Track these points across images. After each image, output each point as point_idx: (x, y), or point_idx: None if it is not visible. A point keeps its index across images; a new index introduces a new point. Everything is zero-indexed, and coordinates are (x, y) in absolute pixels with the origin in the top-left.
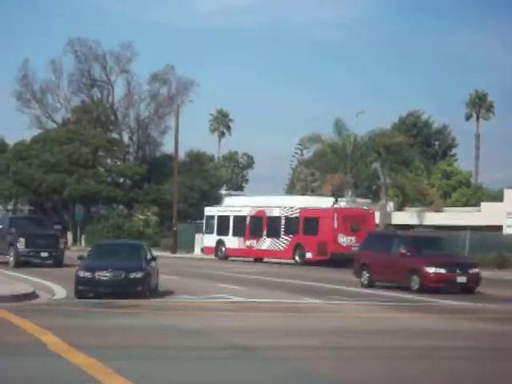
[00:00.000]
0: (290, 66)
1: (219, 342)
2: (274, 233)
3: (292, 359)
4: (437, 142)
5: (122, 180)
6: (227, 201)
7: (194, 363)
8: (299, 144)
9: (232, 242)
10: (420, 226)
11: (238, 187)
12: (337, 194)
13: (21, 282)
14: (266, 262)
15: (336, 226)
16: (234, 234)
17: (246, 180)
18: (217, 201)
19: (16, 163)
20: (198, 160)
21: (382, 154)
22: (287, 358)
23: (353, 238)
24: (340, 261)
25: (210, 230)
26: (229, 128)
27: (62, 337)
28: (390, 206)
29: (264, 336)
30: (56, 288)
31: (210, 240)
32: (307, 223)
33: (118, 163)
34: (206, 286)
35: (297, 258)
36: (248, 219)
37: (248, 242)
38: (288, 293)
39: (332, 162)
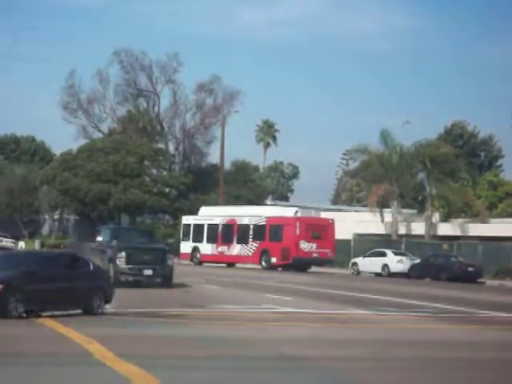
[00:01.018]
0: (336, 76)
1: (264, 352)
2: (243, 239)
3: (338, 370)
4: (483, 153)
5: (167, 190)
6: (202, 210)
7: (239, 373)
8: (345, 154)
9: (206, 248)
10: (465, 237)
11: (283, 197)
12: (299, 206)
13: None
14: (241, 268)
15: (298, 233)
16: (208, 241)
17: (292, 190)
18: None
19: (62, 173)
20: (243, 170)
21: (428, 165)
22: (333, 368)
23: (313, 245)
24: (301, 265)
25: (186, 238)
26: (274, 138)
27: (107, 346)
28: (436, 216)
29: (310, 346)
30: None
31: (187, 247)
32: (273, 231)
33: (164, 173)
34: (250, 296)
35: (263, 263)
36: (220, 227)
37: (220, 249)
38: (333, 303)
39: (378, 173)
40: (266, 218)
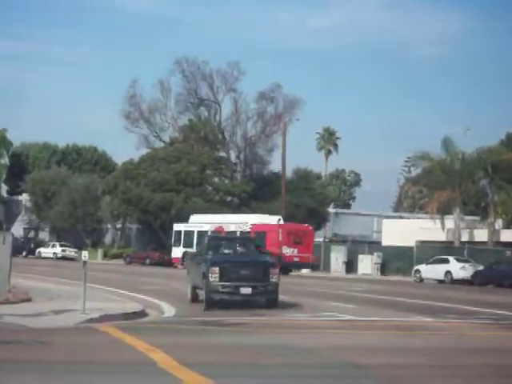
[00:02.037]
0: (396, 83)
1: (329, 360)
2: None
3: (402, 377)
4: None
5: (229, 198)
6: (192, 218)
7: (302, 381)
8: (407, 161)
9: None
10: None
11: (345, 205)
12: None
13: (131, 301)
14: None
15: (281, 239)
16: (197, 247)
17: (353, 198)
18: (324, 219)
19: (124, 182)
20: (305, 178)
21: (490, 172)
22: (398, 376)
23: (295, 250)
24: (284, 269)
25: (177, 243)
26: (336, 146)
27: (171, 354)
28: (499, 223)
29: (374, 354)
30: (165, 306)
31: (178, 252)
32: (257, 237)
33: (226, 181)
34: (316, 304)
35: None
36: (208, 233)
37: None
38: (398, 311)
39: (440, 180)
40: (251, 225)
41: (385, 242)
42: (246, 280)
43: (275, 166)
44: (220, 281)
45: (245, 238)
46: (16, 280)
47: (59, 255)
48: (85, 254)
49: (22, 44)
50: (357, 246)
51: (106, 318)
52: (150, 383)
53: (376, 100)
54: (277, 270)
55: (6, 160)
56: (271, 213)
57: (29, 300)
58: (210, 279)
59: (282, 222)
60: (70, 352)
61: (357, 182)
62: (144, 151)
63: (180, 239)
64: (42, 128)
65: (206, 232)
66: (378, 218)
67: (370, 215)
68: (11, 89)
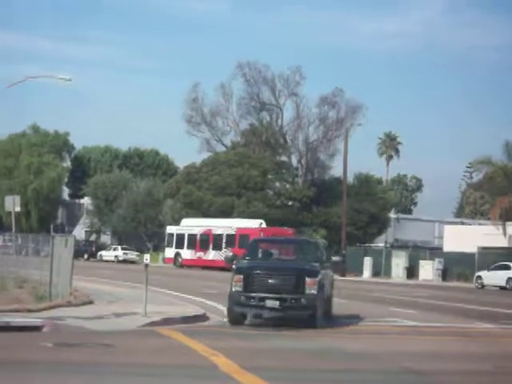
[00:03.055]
0: (456, 88)
1: (389, 366)
2: (217, 247)
3: None
4: None
5: (290, 203)
6: (184, 221)
7: None
8: (468, 167)
9: (186, 253)
10: None
11: (406, 210)
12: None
13: (192, 304)
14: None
15: None
16: (188, 248)
17: (415, 203)
18: (385, 224)
19: (186, 186)
20: (366, 183)
21: None
22: (458, 382)
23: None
24: None
25: (170, 245)
26: (397, 151)
27: (232, 359)
28: None
29: (435, 361)
30: (226, 310)
31: (170, 252)
32: (241, 239)
33: (287, 186)
34: (376, 310)
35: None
36: (198, 236)
37: (198, 254)
38: (459, 317)
39: (502, 185)
40: (236, 228)
41: (446, 248)
42: (273, 291)
43: (337, 170)
44: (244, 291)
45: (302, 242)
46: (78, 283)
47: (120, 258)
48: (146, 258)
49: (85, 48)
50: (418, 252)
51: (167, 322)
52: None
53: (438, 105)
54: (316, 280)
55: (68, 163)
56: (332, 218)
57: (90, 303)
58: (233, 288)
59: (263, 225)
60: (131, 355)
61: (418, 187)
62: (205, 155)
63: (172, 241)
64: (104, 131)
65: (196, 235)
66: (439, 224)
67: (431, 221)
68: (73, 92)
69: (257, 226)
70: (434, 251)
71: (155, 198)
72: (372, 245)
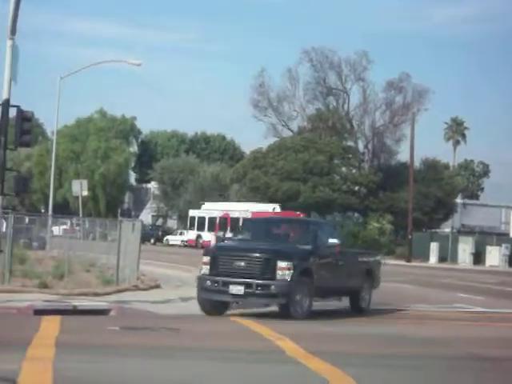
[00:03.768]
0: None
1: (456, 352)
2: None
3: None
4: None
5: (356, 188)
6: (204, 206)
7: (431, 372)
8: None
9: (207, 236)
10: None
11: (473, 196)
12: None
13: None
14: None
15: None
16: (208, 230)
17: (482, 189)
18: (451, 209)
19: (252, 171)
20: (433, 168)
21: None
22: None
23: None
24: None
25: (192, 227)
26: (464, 136)
27: (298, 343)
28: None
29: (503, 346)
30: None
31: (192, 234)
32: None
33: (353, 171)
34: (443, 295)
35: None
36: (217, 219)
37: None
38: None
39: None
40: (251, 212)
41: None
42: (238, 275)
43: (403, 156)
44: (209, 274)
45: (295, 222)
46: (145, 267)
47: (187, 243)
48: (213, 241)
49: (153, 33)
50: (484, 238)
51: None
52: (281, 371)
53: (505, 90)
54: (291, 264)
55: (135, 148)
56: (398, 203)
57: (157, 287)
58: (201, 272)
59: (277, 209)
60: (198, 339)
61: (485, 172)
62: (272, 140)
63: (194, 224)
64: (171, 116)
65: (215, 218)
66: (506, 209)
67: (498, 206)
68: (140, 78)
69: (270, 209)
70: (501, 237)
71: (221, 183)
72: (438, 230)
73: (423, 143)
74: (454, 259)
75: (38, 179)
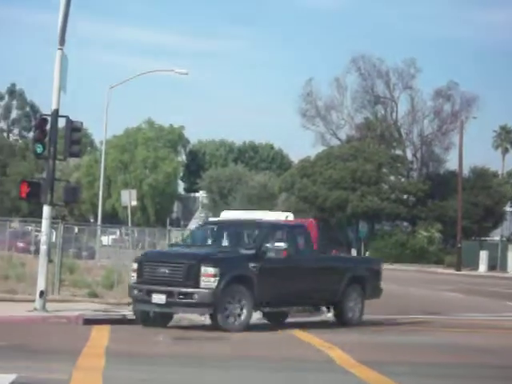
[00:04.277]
0: None
1: (506, 361)
2: None
3: None
4: None
5: (405, 197)
6: (222, 214)
7: (483, 382)
8: None
9: None
10: None
11: None
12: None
13: None
14: None
15: None
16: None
17: None
18: (501, 217)
19: (301, 180)
20: (481, 176)
21: None
22: None
23: None
24: None
25: None
26: None
27: (348, 352)
28: None
29: None
30: None
31: None
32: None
33: (402, 180)
34: (491, 304)
35: None
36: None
37: None
38: None
39: None
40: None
41: None
42: (161, 283)
43: (452, 164)
44: (136, 282)
45: (246, 224)
46: None
47: None
48: None
49: (201, 42)
50: None
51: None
52: (331, 380)
53: None
54: (216, 271)
55: (183, 157)
56: (447, 212)
57: None
58: (130, 280)
59: (290, 217)
60: (248, 348)
61: None
62: (320, 149)
63: None
64: (219, 125)
65: None
66: None
67: None
68: (188, 87)
69: (283, 218)
70: None
71: (270, 192)
72: (488, 238)
73: (472, 151)
74: (504, 267)
75: (87, 189)
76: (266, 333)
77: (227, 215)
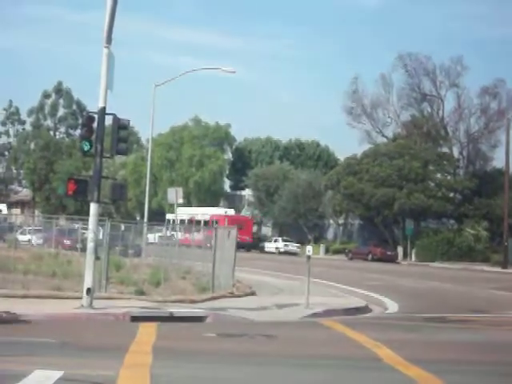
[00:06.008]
0: None
1: None
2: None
3: None
4: None
5: (451, 194)
6: (179, 210)
7: None
8: None
9: (179, 235)
10: None
11: None
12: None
13: (354, 296)
14: None
15: (226, 225)
16: (180, 231)
17: None
18: None
19: (347, 178)
20: None
21: None
22: None
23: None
24: None
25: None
26: None
27: (396, 350)
28: None
29: None
30: (388, 302)
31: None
32: (213, 223)
33: (448, 177)
34: None
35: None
36: (186, 221)
37: (186, 235)
38: None
39: None
40: (210, 215)
41: None
42: None
43: (499, 162)
44: None
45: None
46: (240, 274)
47: (281, 250)
48: (309, 249)
49: (248, 40)
50: None
51: (329, 313)
52: (379, 378)
53: None
54: None
55: (229, 155)
56: (494, 210)
57: (253, 294)
58: None
59: (228, 213)
60: (295, 346)
61: None
62: (366, 146)
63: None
64: (265, 123)
65: (185, 220)
66: None
67: None
68: (234, 85)
69: (223, 213)
70: None
71: (316, 190)
72: None
73: None
74: None
75: (133, 187)
76: (314, 331)
77: (181, 211)
